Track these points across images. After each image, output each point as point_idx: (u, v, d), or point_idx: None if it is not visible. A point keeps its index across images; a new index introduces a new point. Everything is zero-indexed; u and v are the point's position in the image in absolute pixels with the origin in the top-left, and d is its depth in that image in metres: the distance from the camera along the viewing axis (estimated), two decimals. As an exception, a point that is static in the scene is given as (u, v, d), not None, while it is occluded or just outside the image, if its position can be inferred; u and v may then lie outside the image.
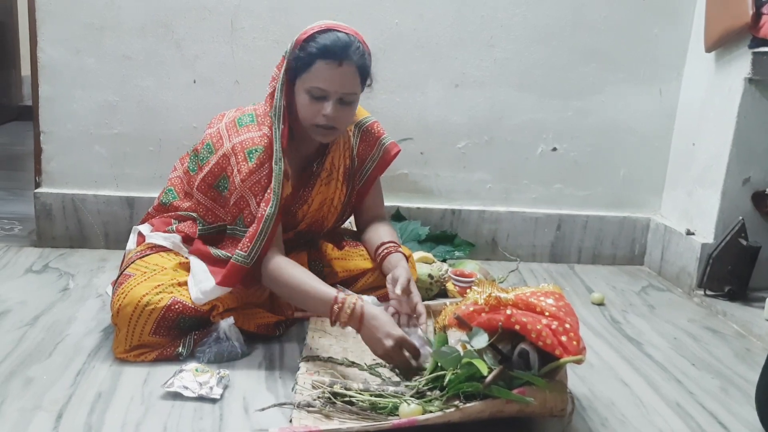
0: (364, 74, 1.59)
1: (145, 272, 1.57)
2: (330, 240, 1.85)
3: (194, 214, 1.71)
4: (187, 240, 1.69)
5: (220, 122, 1.66)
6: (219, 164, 1.61)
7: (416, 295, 1.57)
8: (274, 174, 1.56)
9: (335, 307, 1.44)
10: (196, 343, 1.54)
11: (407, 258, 1.73)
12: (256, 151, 1.57)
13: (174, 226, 1.73)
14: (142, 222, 1.82)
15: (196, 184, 1.67)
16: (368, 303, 1.46)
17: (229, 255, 1.56)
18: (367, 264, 1.79)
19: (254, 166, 1.57)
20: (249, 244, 1.53)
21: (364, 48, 1.57)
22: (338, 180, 1.77)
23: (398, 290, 1.54)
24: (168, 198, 1.80)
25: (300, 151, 1.71)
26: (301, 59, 1.54)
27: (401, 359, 1.41)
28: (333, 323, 1.47)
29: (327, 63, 1.52)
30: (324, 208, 1.78)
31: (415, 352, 1.41)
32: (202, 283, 1.55)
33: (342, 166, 1.77)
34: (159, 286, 1.53)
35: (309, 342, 1.58)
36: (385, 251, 1.72)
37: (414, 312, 1.55)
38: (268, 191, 1.56)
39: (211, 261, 1.60)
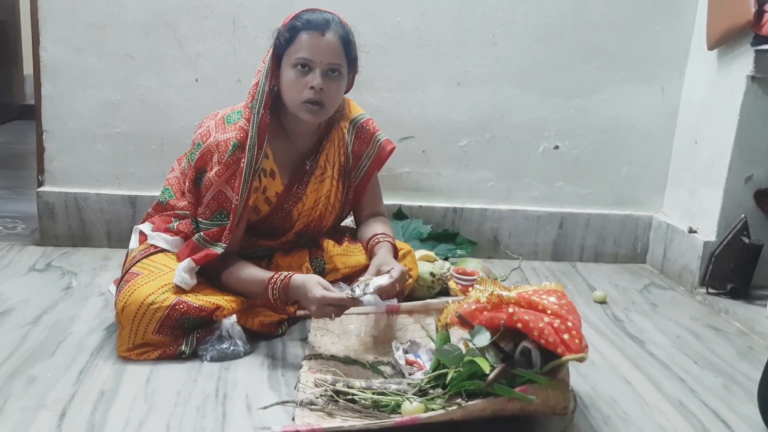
0: (348, 48, 1.61)
1: (152, 272, 1.58)
2: (330, 237, 1.85)
3: (189, 214, 1.72)
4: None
5: (211, 120, 1.67)
6: (202, 158, 1.63)
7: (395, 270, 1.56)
8: (246, 161, 1.58)
9: (269, 286, 1.55)
10: (199, 341, 1.55)
11: (395, 248, 1.74)
12: (234, 147, 1.59)
13: (174, 224, 1.74)
14: (143, 222, 1.83)
15: (187, 185, 1.68)
16: (294, 273, 1.55)
17: (207, 240, 1.61)
18: (367, 260, 1.79)
19: (230, 160, 1.59)
20: (228, 236, 1.60)
21: (347, 27, 1.62)
22: (333, 177, 1.77)
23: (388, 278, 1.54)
24: (165, 197, 1.81)
25: (293, 148, 1.72)
26: (285, 36, 1.58)
27: (326, 313, 1.49)
28: (273, 301, 1.57)
29: (310, 33, 1.57)
30: (320, 206, 1.78)
31: (340, 302, 1.48)
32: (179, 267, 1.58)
33: (337, 164, 1.78)
34: (165, 285, 1.54)
35: (311, 340, 1.58)
36: (374, 242, 1.74)
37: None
38: (238, 182, 1.59)
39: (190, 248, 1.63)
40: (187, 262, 1.58)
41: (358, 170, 1.83)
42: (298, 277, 1.54)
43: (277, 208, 1.73)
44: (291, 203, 1.73)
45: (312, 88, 1.57)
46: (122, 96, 2.17)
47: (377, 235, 1.76)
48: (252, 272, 1.61)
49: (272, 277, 1.56)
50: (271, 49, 1.61)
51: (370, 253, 1.74)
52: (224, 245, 1.59)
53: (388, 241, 1.73)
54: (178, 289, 1.55)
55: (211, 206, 1.62)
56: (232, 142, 1.59)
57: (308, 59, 1.57)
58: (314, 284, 1.50)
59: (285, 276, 1.55)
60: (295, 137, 1.71)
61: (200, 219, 1.65)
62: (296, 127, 1.69)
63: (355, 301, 1.49)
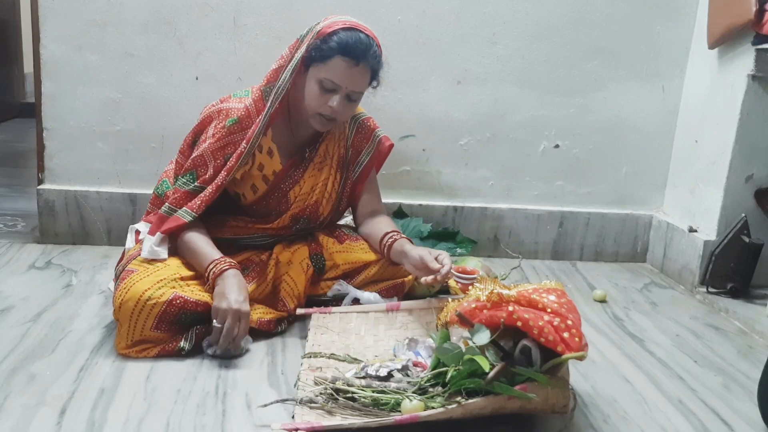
0: (374, 76, 1.67)
1: (147, 268, 1.58)
2: (330, 235, 1.86)
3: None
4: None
5: (217, 100, 1.74)
6: (203, 122, 1.71)
7: (445, 259, 1.60)
8: (248, 147, 1.64)
9: (211, 265, 1.56)
10: (199, 337, 1.55)
11: (411, 243, 1.75)
12: (233, 120, 1.65)
13: None
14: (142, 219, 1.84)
15: (181, 146, 1.75)
16: (233, 270, 1.55)
17: (173, 208, 1.65)
18: (369, 257, 1.79)
19: (224, 132, 1.65)
20: (202, 207, 1.64)
21: (380, 52, 1.65)
22: (332, 167, 1.81)
23: (442, 274, 1.57)
24: (162, 189, 1.83)
25: (295, 135, 1.76)
26: (321, 50, 1.59)
27: (229, 325, 1.47)
28: (207, 279, 1.56)
29: (345, 60, 1.59)
30: (316, 192, 1.80)
31: (231, 335, 1.48)
32: (147, 240, 1.63)
33: (336, 155, 1.82)
34: (161, 280, 1.54)
35: (311, 338, 1.58)
36: (390, 240, 1.74)
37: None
38: (232, 159, 1.64)
39: (158, 221, 1.66)
40: (157, 236, 1.62)
41: (357, 165, 1.86)
42: (234, 273, 1.54)
43: (274, 188, 1.76)
44: (288, 185, 1.77)
45: (331, 107, 1.62)
46: (123, 94, 2.17)
47: (390, 233, 1.76)
48: (203, 245, 1.61)
49: (218, 259, 1.56)
50: (303, 52, 1.61)
51: (389, 251, 1.74)
52: (194, 214, 1.63)
53: (405, 238, 1.74)
54: (175, 284, 1.55)
55: (188, 165, 1.68)
56: (232, 116, 1.65)
57: (336, 84, 1.61)
58: (243, 290, 1.52)
59: (226, 264, 1.55)
60: (297, 126, 1.76)
61: (174, 174, 1.72)
62: (301, 119, 1.72)
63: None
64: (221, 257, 1.58)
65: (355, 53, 1.58)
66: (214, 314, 1.50)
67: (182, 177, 1.68)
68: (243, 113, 1.65)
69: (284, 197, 1.77)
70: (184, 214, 1.63)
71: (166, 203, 1.67)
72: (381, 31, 2.18)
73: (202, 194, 1.64)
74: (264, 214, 1.79)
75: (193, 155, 1.68)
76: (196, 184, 1.67)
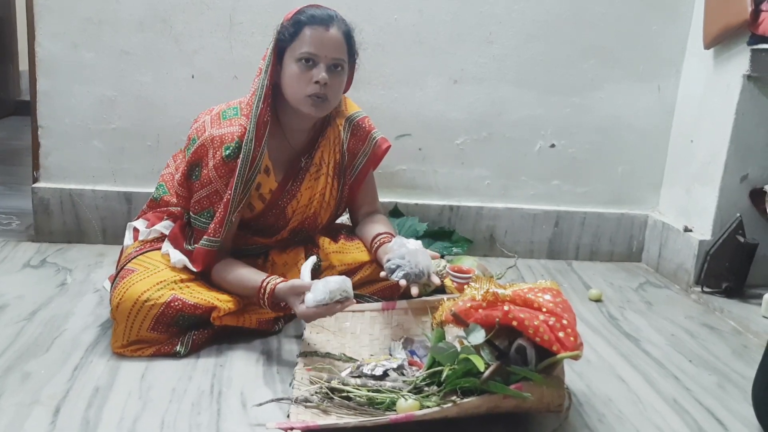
0: (350, 43, 1.63)
1: (148, 268, 1.58)
2: (326, 234, 1.85)
3: (181, 207, 1.73)
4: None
5: (206, 116, 1.67)
6: (197, 152, 1.62)
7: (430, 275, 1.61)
8: (242, 155, 1.58)
9: (258, 298, 1.55)
10: (195, 343, 1.55)
11: None
12: (234, 145, 1.59)
13: (168, 222, 1.75)
14: (137, 218, 1.83)
15: (177, 177, 1.69)
16: (279, 283, 1.52)
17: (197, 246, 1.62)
18: (365, 257, 1.78)
19: (233, 164, 1.58)
20: (219, 230, 1.58)
21: (348, 23, 1.64)
22: (328, 175, 1.77)
23: (414, 291, 1.57)
24: (159, 193, 1.81)
25: (287, 145, 1.71)
26: (289, 30, 1.59)
27: (312, 314, 1.46)
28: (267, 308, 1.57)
29: (314, 28, 1.57)
30: (314, 204, 1.78)
31: (320, 315, 1.46)
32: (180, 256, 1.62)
33: (332, 161, 1.77)
34: (161, 282, 1.54)
35: (307, 338, 1.58)
36: (379, 242, 1.73)
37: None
38: (233, 176, 1.59)
39: (182, 250, 1.65)
40: (189, 264, 1.61)
41: (353, 168, 1.82)
42: (281, 289, 1.51)
43: (271, 205, 1.72)
44: (285, 200, 1.73)
45: (317, 82, 1.57)
46: (118, 92, 2.16)
47: (380, 235, 1.74)
48: (241, 276, 1.59)
49: (260, 290, 1.54)
50: (273, 44, 1.61)
51: (375, 254, 1.73)
52: (216, 239, 1.58)
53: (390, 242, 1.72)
54: (175, 286, 1.55)
55: (203, 203, 1.62)
56: (234, 141, 1.58)
57: (313, 53, 1.57)
58: (293, 299, 1.49)
59: (270, 289, 1.53)
60: (290, 134, 1.71)
61: (191, 212, 1.65)
62: (292, 124, 1.69)
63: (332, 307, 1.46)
64: (258, 288, 1.54)
65: (323, 18, 1.58)
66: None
67: (200, 216, 1.63)
68: (242, 133, 1.59)
69: (282, 213, 1.74)
70: (209, 243, 1.59)
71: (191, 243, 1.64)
72: (377, 30, 2.19)
73: (216, 217, 1.60)
74: (262, 230, 1.76)
75: (205, 192, 1.62)
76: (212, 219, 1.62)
